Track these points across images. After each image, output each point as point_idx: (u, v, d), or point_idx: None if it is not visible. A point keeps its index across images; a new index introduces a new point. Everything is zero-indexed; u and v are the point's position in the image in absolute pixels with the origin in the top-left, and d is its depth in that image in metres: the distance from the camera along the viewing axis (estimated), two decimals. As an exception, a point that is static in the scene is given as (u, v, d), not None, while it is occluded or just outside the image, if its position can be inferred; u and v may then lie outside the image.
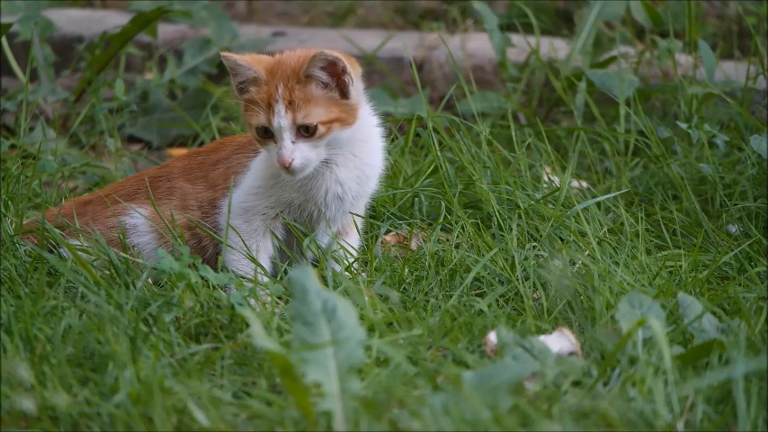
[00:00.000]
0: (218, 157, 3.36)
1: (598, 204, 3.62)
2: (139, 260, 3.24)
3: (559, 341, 2.86)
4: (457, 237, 3.45)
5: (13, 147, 4.23)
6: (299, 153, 3.13)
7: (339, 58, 3.13)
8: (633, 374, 2.65)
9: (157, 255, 3.17)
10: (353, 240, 3.35)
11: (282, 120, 3.12)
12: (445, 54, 4.88)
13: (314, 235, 3.28)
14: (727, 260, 3.37)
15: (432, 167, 3.73)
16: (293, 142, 3.13)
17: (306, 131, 3.14)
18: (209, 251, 3.30)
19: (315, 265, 3.25)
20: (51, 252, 3.29)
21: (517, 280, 3.20)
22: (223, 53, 3.19)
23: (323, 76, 3.14)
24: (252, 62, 3.17)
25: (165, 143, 4.71)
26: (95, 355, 2.75)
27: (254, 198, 3.26)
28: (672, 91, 4.33)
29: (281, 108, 3.12)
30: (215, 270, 3.21)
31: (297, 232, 3.27)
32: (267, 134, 3.15)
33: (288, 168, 3.13)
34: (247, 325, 2.87)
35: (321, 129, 3.14)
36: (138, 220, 3.31)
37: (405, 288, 3.24)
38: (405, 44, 4.96)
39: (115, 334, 2.77)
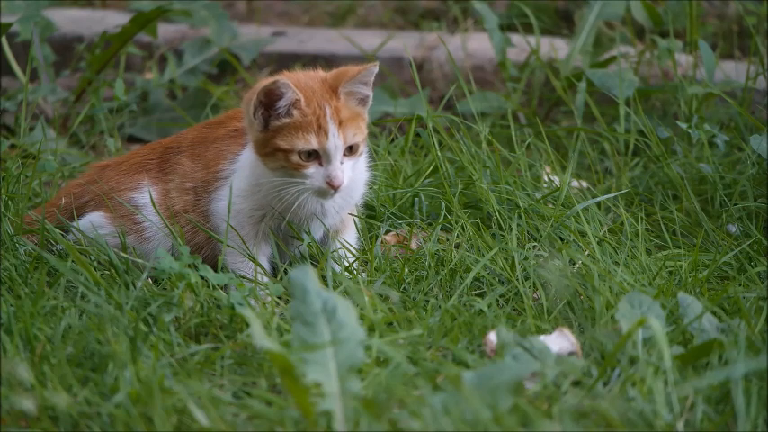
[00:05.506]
0: (217, 134, 3.34)
1: (598, 204, 3.62)
2: (139, 260, 3.24)
3: (559, 341, 2.86)
4: (457, 237, 3.45)
5: (13, 147, 4.22)
6: (348, 173, 3.13)
7: (376, 67, 3.14)
8: (633, 374, 2.65)
9: (157, 254, 3.18)
10: (351, 237, 3.35)
11: (337, 140, 3.10)
12: (445, 54, 4.88)
13: (312, 235, 3.28)
14: (727, 260, 3.38)
15: (432, 167, 3.73)
16: (341, 162, 3.12)
17: (349, 150, 3.13)
18: (199, 234, 3.30)
19: (314, 265, 3.25)
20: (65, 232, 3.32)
21: (517, 280, 3.20)
22: (280, 79, 3.08)
23: (363, 89, 3.15)
24: (293, 83, 3.11)
25: (164, 143, 4.71)
26: (95, 355, 2.75)
27: (241, 201, 3.25)
28: (672, 91, 4.33)
29: (333, 128, 3.11)
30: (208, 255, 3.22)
31: (296, 232, 3.27)
32: (310, 157, 3.12)
33: (336, 188, 3.12)
34: (247, 325, 2.87)
35: (362, 146, 3.16)
36: (147, 200, 3.31)
37: (405, 288, 3.24)
38: (405, 44, 4.96)
39: (115, 334, 2.77)
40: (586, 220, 3.46)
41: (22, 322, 2.80)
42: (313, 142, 3.10)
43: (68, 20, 5.29)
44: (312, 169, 3.12)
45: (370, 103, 3.18)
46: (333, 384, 2.48)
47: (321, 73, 3.19)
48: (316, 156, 3.11)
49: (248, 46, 4.98)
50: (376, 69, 3.14)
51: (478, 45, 4.98)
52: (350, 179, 3.13)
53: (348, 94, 3.13)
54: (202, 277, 3.10)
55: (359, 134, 3.13)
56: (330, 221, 3.27)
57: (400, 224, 3.58)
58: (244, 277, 3.18)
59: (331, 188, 3.11)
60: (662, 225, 3.60)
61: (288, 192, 3.14)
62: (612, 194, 3.67)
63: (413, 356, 2.77)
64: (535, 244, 3.39)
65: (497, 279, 3.26)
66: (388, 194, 3.65)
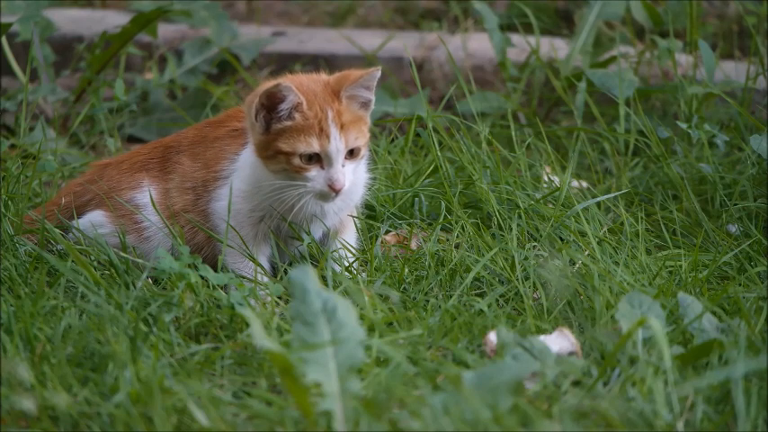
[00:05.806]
0: (217, 133, 3.34)
1: (598, 204, 3.62)
2: (139, 260, 3.24)
3: (559, 341, 2.86)
4: (457, 237, 3.45)
5: (13, 147, 4.22)
6: (349, 176, 3.13)
7: (379, 72, 3.14)
8: (633, 374, 2.65)
9: (157, 254, 3.18)
10: (350, 237, 3.35)
11: (339, 143, 3.10)
12: (445, 54, 4.88)
13: (312, 235, 3.28)
14: (727, 260, 3.38)
15: (432, 167, 3.73)
16: (343, 165, 3.13)
17: (350, 154, 3.14)
18: (199, 234, 3.30)
19: (314, 265, 3.25)
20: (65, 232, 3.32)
21: (517, 280, 3.20)
22: (282, 82, 3.08)
23: (366, 94, 3.15)
24: (295, 86, 3.12)
25: (164, 143, 4.70)
26: (95, 355, 2.75)
27: (241, 201, 3.25)
28: (672, 91, 4.33)
29: (335, 132, 3.11)
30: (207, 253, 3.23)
31: (296, 232, 3.27)
32: (312, 160, 3.13)
33: (338, 192, 3.12)
34: (247, 325, 2.87)
35: (363, 150, 3.16)
36: (148, 199, 3.31)
37: (405, 288, 3.24)
38: (405, 44, 4.96)
39: (115, 334, 2.77)
40: (586, 220, 3.46)
41: (22, 322, 2.80)
42: (315, 145, 3.10)
43: (68, 20, 5.29)
44: (314, 172, 3.12)
45: (372, 107, 3.19)
46: (333, 384, 2.48)
47: (323, 76, 3.19)
48: (317, 159, 3.12)
49: (248, 46, 4.98)
50: (378, 74, 3.14)
51: (478, 45, 4.98)
52: (351, 182, 3.14)
53: (350, 97, 3.14)
54: (202, 277, 3.10)
55: (361, 138, 3.14)
56: (329, 222, 3.28)
57: (400, 224, 3.58)
58: (244, 277, 3.18)
59: (332, 191, 3.12)
60: (662, 225, 3.60)
61: (289, 194, 3.15)
62: (612, 194, 3.67)
63: (413, 356, 2.77)
64: (535, 244, 3.39)
65: (497, 279, 3.26)
66: (388, 194, 3.65)
